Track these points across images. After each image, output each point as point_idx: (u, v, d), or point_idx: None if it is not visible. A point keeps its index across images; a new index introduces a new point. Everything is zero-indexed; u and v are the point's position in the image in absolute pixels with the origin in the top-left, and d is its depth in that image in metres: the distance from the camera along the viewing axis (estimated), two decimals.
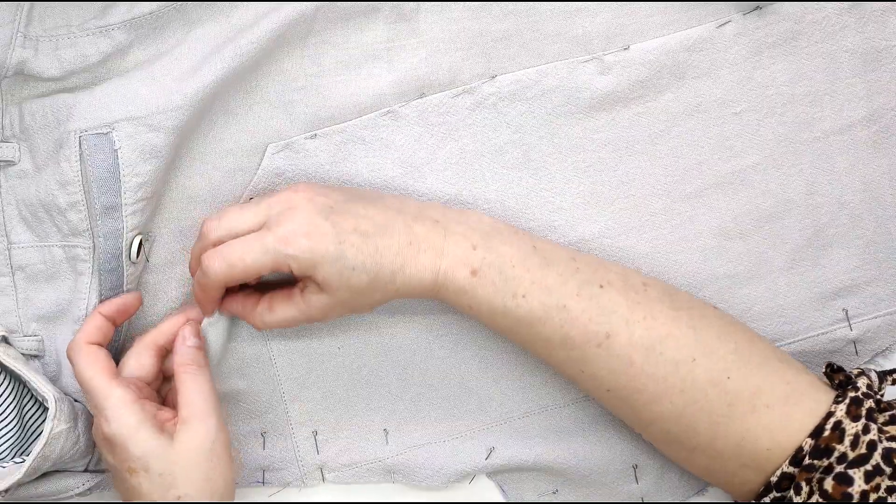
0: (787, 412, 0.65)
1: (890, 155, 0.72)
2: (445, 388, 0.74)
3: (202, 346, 0.69)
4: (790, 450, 0.64)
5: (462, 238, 0.65)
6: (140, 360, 0.68)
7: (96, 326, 0.68)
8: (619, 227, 0.72)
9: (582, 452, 0.75)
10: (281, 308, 0.66)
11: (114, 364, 0.67)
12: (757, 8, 0.70)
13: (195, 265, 0.67)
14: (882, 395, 0.66)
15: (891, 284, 0.73)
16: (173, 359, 0.68)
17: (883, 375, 0.67)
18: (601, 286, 0.66)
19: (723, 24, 0.70)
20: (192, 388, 0.66)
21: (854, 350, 0.74)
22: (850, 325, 0.73)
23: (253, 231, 0.64)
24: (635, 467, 0.75)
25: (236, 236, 0.65)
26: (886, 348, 0.74)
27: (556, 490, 0.76)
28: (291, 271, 0.64)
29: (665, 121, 0.71)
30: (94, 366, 0.66)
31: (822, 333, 0.73)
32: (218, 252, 0.64)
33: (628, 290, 0.66)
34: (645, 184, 0.72)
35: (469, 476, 0.75)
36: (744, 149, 0.71)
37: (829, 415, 0.64)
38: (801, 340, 0.73)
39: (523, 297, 0.65)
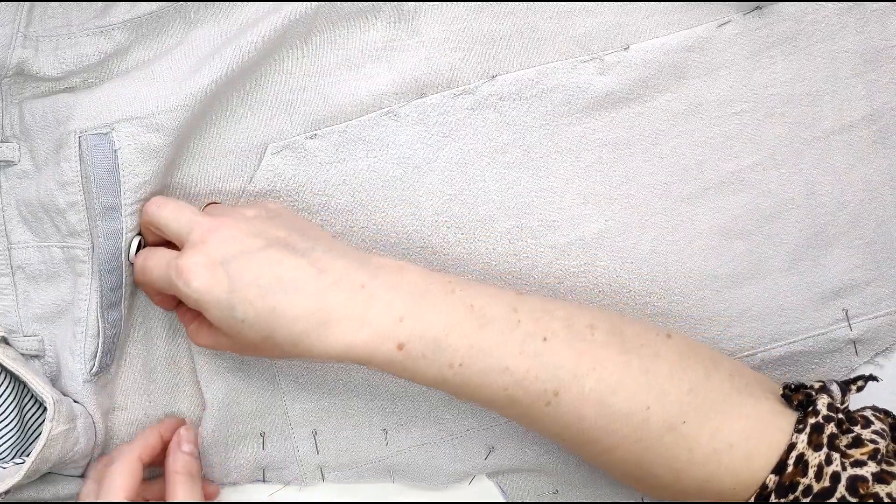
0: (748, 450, 0.63)
1: (890, 155, 0.72)
2: None
3: (196, 454, 0.70)
4: (755, 487, 0.63)
5: (387, 308, 0.61)
6: (133, 475, 0.67)
7: (151, 446, 0.69)
8: (619, 227, 0.72)
9: None
10: (205, 333, 0.66)
11: (139, 482, 0.67)
12: (757, 8, 0.70)
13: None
14: (847, 406, 0.65)
15: (891, 284, 0.73)
16: (167, 461, 0.69)
17: (846, 385, 0.66)
18: (545, 339, 0.62)
19: (723, 24, 0.70)
20: (183, 498, 0.66)
21: (854, 350, 0.74)
22: (850, 325, 0.73)
23: (175, 238, 0.65)
24: None
25: (158, 229, 0.66)
26: (886, 348, 0.74)
27: (556, 490, 0.76)
28: None
29: (665, 121, 0.71)
30: (127, 479, 0.66)
31: (822, 333, 0.73)
32: (144, 252, 0.66)
33: (573, 339, 0.63)
34: (645, 184, 0.72)
35: (469, 476, 0.75)
36: (744, 149, 0.71)
37: (792, 447, 0.62)
38: (801, 340, 0.73)
39: (460, 365, 0.61)
